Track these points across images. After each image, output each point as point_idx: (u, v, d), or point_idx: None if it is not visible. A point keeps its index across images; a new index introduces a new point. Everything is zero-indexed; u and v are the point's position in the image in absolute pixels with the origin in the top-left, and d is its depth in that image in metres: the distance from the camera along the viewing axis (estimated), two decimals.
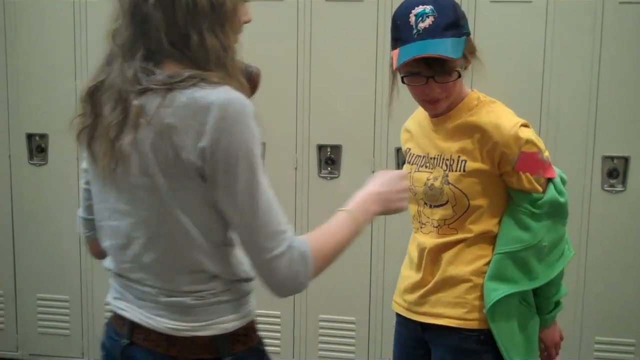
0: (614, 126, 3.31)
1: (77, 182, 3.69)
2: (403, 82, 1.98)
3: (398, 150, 3.44)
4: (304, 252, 1.45)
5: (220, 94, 1.39)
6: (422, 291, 2.08)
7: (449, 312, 2.05)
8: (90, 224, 1.72)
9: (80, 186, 1.75)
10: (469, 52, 1.99)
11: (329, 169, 3.57)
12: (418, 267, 2.10)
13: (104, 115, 1.46)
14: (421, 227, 2.11)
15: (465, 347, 2.03)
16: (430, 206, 2.07)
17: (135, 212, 1.48)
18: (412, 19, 1.91)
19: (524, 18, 3.27)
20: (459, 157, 2.00)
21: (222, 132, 1.37)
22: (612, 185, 3.34)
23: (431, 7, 1.91)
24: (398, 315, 2.21)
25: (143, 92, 1.42)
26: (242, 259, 1.52)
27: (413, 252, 2.13)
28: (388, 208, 1.68)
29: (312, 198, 3.56)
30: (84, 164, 1.66)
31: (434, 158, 2.05)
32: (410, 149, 2.17)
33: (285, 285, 1.46)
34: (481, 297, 2.01)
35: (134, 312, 1.55)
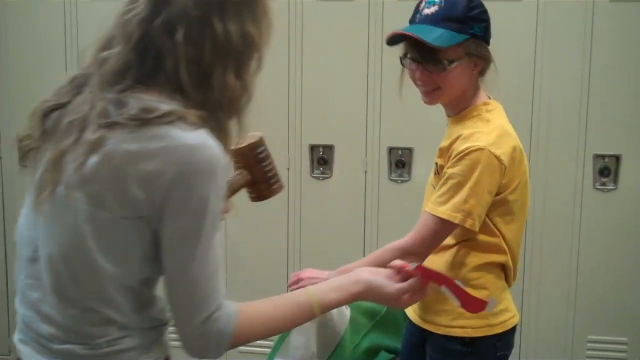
0: (605, 125, 3.32)
1: None
2: (401, 63, 2.04)
3: (390, 150, 3.44)
4: (224, 332, 1.34)
5: (195, 138, 1.27)
6: None
7: (436, 319, 2.08)
8: None
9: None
10: (477, 56, 1.99)
11: (322, 169, 3.56)
12: None
13: (56, 139, 1.34)
14: None
15: (451, 348, 2.06)
16: None
17: (49, 226, 1.35)
18: (422, 4, 2.00)
19: (514, 17, 3.29)
20: (436, 163, 2.06)
21: (184, 178, 1.26)
22: (603, 184, 3.34)
23: (440, 1, 1.97)
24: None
25: (109, 125, 1.28)
26: (156, 302, 1.42)
27: None
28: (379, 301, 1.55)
29: (304, 198, 3.55)
30: None
31: (436, 163, 2.09)
32: (437, 164, 2.17)
33: (192, 348, 1.35)
34: None
35: None
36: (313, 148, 3.55)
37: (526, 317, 3.39)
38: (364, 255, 3.50)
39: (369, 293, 1.51)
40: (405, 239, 1.98)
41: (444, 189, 1.94)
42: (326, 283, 1.52)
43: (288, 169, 3.53)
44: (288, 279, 3.53)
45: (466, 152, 1.92)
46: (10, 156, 3.82)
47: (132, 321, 1.36)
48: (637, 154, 3.31)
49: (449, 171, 1.94)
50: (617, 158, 3.33)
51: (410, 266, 1.52)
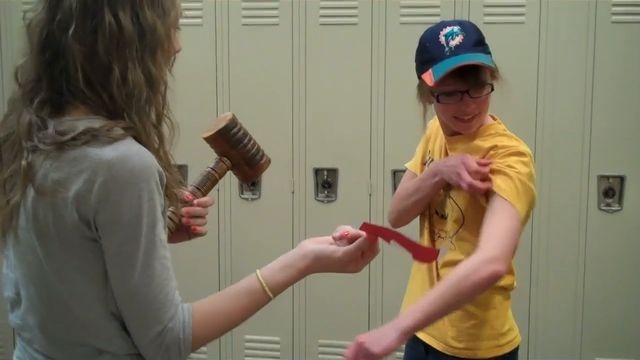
0: (608, 145, 3.32)
1: None
2: (438, 101, 1.97)
3: (394, 172, 3.44)
4: (182, 339, 1.32)
5: (116, 151, 1.23)
6: None
7: (441, 336, 2.08)
8: None
9: None
10: (495, 75, 2.01)
11: (326, 192, 3.57)
12: (430, 283, 2.11)
13: (3, 170, 1.33)
14: (434, 239, 2.13)
15: None
16: (440, 216, 2.09)
17: (20, 268, 1.34)
18: (442, 39, 1.95)
19: (517, 39, 3.31)
20: None
21: (109, 194, 1.22)
22: (608, 205, 3.34)
23: (458, 27, 1.96)
24: None
25: (34, 149, 1.26)
26: None
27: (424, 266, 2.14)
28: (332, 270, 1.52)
29: (309, 222, 3.56)
30: None
31: None
32: (431, 153, 2.18)
33: None
34: (476, 326, 2.03)
35: None
36: (317, 172, 3.56)
37: (533, 339, 3.37)
38: (368, 277, 3.52)
39: (318, 263, 1.47)
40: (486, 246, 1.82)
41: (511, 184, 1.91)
42: (275, 263, 1.47)
43: (293, 192, 3.54)
44: (293, 303, 3.55)
45: (524, 154, 1.95)
46: None
47: (120, 348, 1.33)
48: None
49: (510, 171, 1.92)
50: (622, 179, 3.32)
51: (360, 225, 1.50)
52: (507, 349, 2.07)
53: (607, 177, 3.33)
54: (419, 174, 2.15)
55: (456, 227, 2.03)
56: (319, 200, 3.57)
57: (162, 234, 1.30)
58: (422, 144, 2.24)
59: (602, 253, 3.35)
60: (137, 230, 1.25)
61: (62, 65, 1.27)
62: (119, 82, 1.26)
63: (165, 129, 1.36)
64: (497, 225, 1.84)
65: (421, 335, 2.13)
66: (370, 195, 3.50)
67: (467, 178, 1.90)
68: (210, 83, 3.57)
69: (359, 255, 1.50)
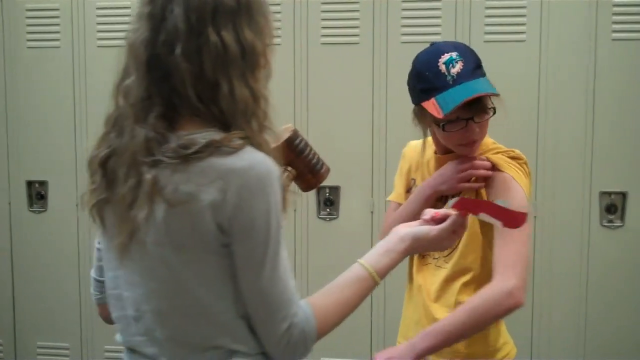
0: (610, 162, 3.33)
1: (76, 229, 3.75)
2: (444, 129, 1.95)
3: None
4: (307, 332, 1.38)
5: (242, 159, 1.30)
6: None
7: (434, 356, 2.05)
8: (101, 286, 1.61)
9: (92, 245, 1.66)
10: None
11: (328, 210, 3.57)
12: (425, 316, 2.09)
13: (117, 187, 1.36)
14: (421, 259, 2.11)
15: None
16: None
17: (145, 284, 1.38)
18: (442, 67, 1.92)
19: (518, 57, 3.32)
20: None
21: (242, 201, 1.29)
22: (610, 221, 3.34)
23: (456, 52, 1.93)
24: None
25: (156, 163, 1.31)
26: None
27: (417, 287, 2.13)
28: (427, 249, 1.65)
29: (311, 239, 3.55)
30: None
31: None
32: (415, 181, 2.17)
33: (283, 357, 1.40)
34: (470, 344, 2.00)
35: None
36: (319, 189, 3.57)
37: (536, 355, 3.37)
38: (371, 297, 3.51)
39: (417, 243, 1.55)
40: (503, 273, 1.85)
41: None
42: (376, 250, 1.54)
43: (295, 210, 3.54)
44: None
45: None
46: (20, 201, 3.85)
47: (252, 347, 1.39)
48: None
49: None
50: (624, 195, 3.33)
51: (449, 203, 1.58)
52: None
53: (609, 194, 3.34)
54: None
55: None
56: (321, 218, 3.57)
57: (283, 236, 1.37)
58: (402, 175, 2.23)
59: (604, 269, 3.35)
60: (268, 234, 1.32)
61: (172, 83, 1.32)
62: (227, 98, 1.33)
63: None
64: (511, 246, 1.86)
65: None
66: (372, 213, 3.50)
67: (462, 166, 1.96)
68: None
69: (452, 232, 1.57)
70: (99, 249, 1.60)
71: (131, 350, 1.45)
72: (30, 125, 3.80)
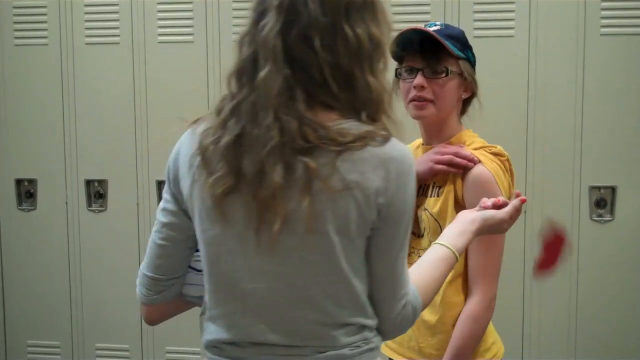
0: (600, 156, 3.34)
1: (66, 227, 3.72)
2: (399, 76, 2.02)
3: None
4: (416, 308, 1.48)
5: (395, 149, 1.37)
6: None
7: (413, 355, 2.07)
8: (157, 285, 1.52)
9: (152, 240, 1.52)
10: (469, 80, 2.02)
11: None
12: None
13: (252, 175, 1.34)
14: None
15: None
16: (418, 235, 2.07)
17: (291, 273, 1.38)
18: (424, 25, 2.00)
19: (507, 52, 3.33)
20: (433, 183, 2.02)
21: (399, 187, 1.37)
22: (600, 215, 3.35)
23: (440, 23, 2.02)
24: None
25: (311, 149, 1.32)
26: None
27: None
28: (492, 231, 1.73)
29: None
30: (165, 217, 1.49)
31: (421, 187, 2.06)
32: None
33: (395, 332, 1.50)
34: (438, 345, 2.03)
35: None
36: None
37: (527, 349, 3.38)
38: None
39: (486, 224, 1.69)
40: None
41: None
42: (451, 231, 1.66)
43: None
44: None
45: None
46: (9, 199, 3.83)
47: (374, 323, 1.46)
48: (633, 184, 3.33)
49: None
50: (613, 189, 3.34)
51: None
52: None
53: (599, 188, 3.35)
54: None
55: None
56: None
57: None
58: None
59: (594, 263, 3.36)
60: (409, 217, 1.42)
61: (311, 73, 1.36)
62: (364, 89, 1.38)
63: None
64: (489, 255, 1.97)
65: (405, 355, 2.11)
66: None
67: (445, 150, 1.99)
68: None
69: (509, 217, 1.72)
70: (162, 245, 1.49)
71: (237, 345, 1.44)
72: (19, 123, 3.78)
